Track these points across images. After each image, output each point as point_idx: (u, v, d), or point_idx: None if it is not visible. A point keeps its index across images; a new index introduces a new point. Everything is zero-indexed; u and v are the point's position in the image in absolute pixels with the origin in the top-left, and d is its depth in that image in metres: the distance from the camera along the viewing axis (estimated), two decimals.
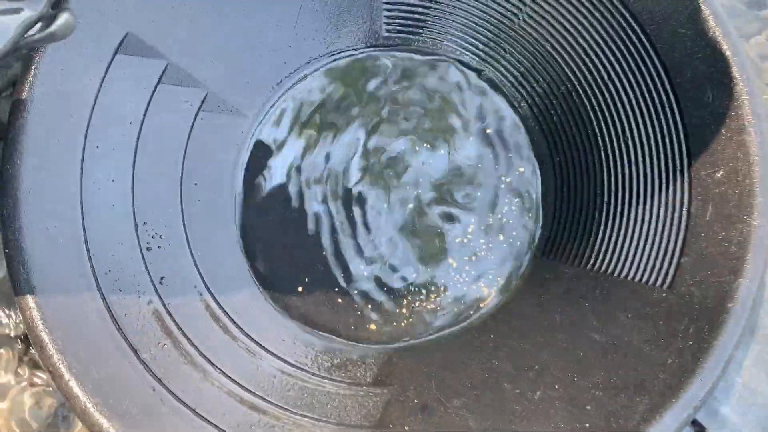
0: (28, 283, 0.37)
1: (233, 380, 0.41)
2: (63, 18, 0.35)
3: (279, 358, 0.43)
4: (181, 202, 0.45)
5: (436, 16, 0.49)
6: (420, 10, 0.49)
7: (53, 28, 0.34)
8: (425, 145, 0.48)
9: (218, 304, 0.44)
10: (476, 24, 0.49)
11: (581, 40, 0.46)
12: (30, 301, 0.37)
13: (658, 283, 0.41)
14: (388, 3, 0.49)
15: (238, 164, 0.49)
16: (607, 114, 0.45)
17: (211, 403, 0.39)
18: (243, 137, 0.49)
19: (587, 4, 0.45)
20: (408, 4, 0.49)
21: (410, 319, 0.45)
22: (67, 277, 0.39)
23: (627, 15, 0.44)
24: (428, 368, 0.43)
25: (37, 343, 0.37)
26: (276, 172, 0.48)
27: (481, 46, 0.49)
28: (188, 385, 0.39)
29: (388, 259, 0.46)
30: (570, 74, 0.47)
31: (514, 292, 0.46)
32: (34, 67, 0.40)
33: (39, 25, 0.34)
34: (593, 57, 0.45)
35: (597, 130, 0.46)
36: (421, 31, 0.50)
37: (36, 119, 0.40)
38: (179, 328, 0.41)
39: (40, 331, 0.37)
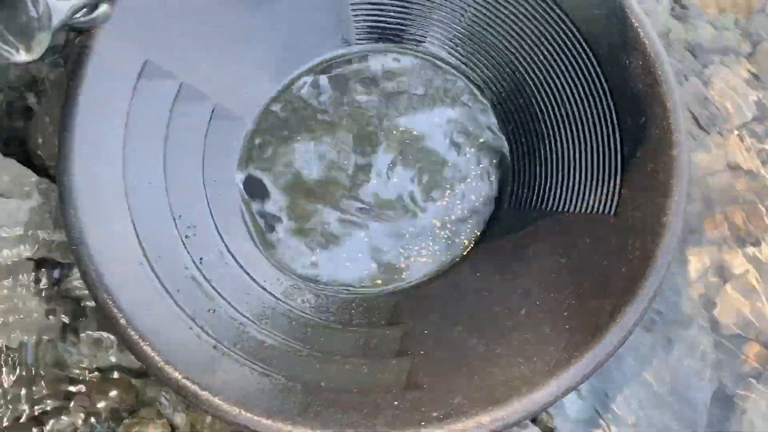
0: (97, 273, 0.43)
1: (270, 331, 0.47)
2: (103, 7, 0.42)
3: (303, 313, 0.50)
4: (206, 197, 0.52)
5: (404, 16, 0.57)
6: (384, 13, 0.57)
7: (95, 14, 0.41)
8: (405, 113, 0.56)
9: (247, 273, 0.50)
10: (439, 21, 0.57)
11: (518, 29, 0.54)
12: (99, 287, 0.43)
13: (606, 212, 0.49)
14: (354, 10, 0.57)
15: (244, 161, 0.55)
16: (546, 86, 0.54)
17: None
18: (246, 138, 0.55)
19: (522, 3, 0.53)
20: (373, 9, 0.57)
21: (409, 270, 0.52)
22: (130, 265, 0.45)
23: (556, 8, 0.53)
24: (430, 306, 0.50)
25: (110, 318, 0.42)
26: (277, 164, 0.55)
27: (446, 39, 0.58)
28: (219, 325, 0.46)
29: (385, 221, 0.54)
30: (512, 58, 0.55)
31: (491, 237, 0.53)
32: (77, 94, 0.46)
33: (84, 10, 0.40)
34: (529, 41, 0.54)
35: (539, 100, 0.54)
36: (390, 30, 0.58)
37: (82, 137, 0.45)
38: (219, 295, 0.48)
39: (111, 308, 0.43)
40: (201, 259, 0.49)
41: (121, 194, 0.47)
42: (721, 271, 0.55)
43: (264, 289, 0.50)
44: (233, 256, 0.50)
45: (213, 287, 0.48)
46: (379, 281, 0.53)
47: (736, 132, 0.59)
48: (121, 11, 0.46)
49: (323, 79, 0.57)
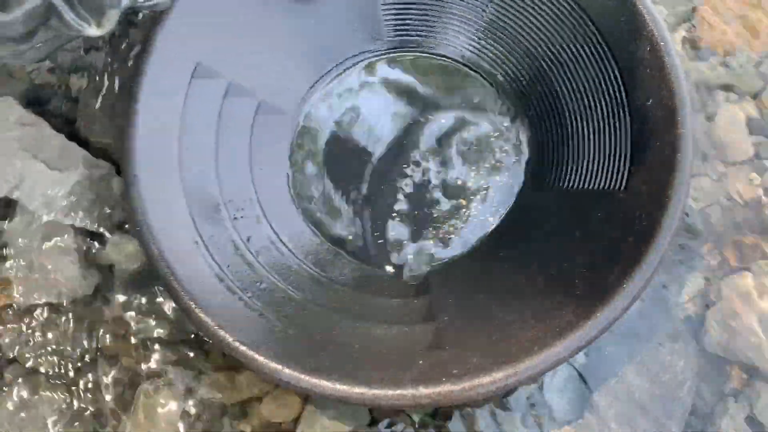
0: (159, 249, 0.49)
1: (309, 300, 0.52)
2: None
3: (340, 284, 0.55)
4: (253, 182, 0.57)
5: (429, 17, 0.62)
6: (414, 14, 0.61)
7: (156, 1, 0.46)
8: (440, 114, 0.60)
9: (289, 250, 0.55)
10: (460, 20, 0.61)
11: (536, 22, 0.58)
12: (160, 262, 0.49)
13: (617, 187, 0.52)
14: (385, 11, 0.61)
15: (286, 151, 0.61)
16: (563, 74, 0.58)
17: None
18: (288, 129, 0.61)
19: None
20: (404, 10, 0.61)
21: (439, 247, 0.57)
22: (186, 244, 0.51)
23: (575, 5, 0.56)
24: (456, 278, 0.55)
25: (170, 289, 0.48)
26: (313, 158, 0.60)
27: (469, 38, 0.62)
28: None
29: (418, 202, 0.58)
30: (531, 49, 0.59)
31: (513, 215, 0.57)
32: (137, 92, 0.52)
33: None
34: (546, 33, 0.58)
35: (557, 88, 0.58)
36: (419, 31, 0.62)
37: (143, 131, 0.51)
38: (264, 268, 0.53)
39: (171, 280, 0.48)
40: (249, 238, 0.54)
41: (178, 181, 0.53)
42: (711, 295, 0.58)
43: (304, 263, 0.55)
44: (277, 235, 0.56)
45: (259, 262, 0.53)
46: (411, 257, 0.57)
47: (736, 166, 0.62)
48: (175, 17, 0.52)
49: (358, 71, 0.62)
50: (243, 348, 0.47)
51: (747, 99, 0.65)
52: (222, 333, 0.47)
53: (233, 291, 0.51)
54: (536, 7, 0.58)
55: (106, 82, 0.60)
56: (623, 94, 0.54)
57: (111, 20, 0.44)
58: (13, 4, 0.41)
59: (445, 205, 0.58)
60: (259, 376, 0.51)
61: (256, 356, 0.47)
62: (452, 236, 0.58)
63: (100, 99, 0.59)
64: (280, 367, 0.46)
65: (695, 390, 0.55)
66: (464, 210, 0.58)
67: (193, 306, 0.48)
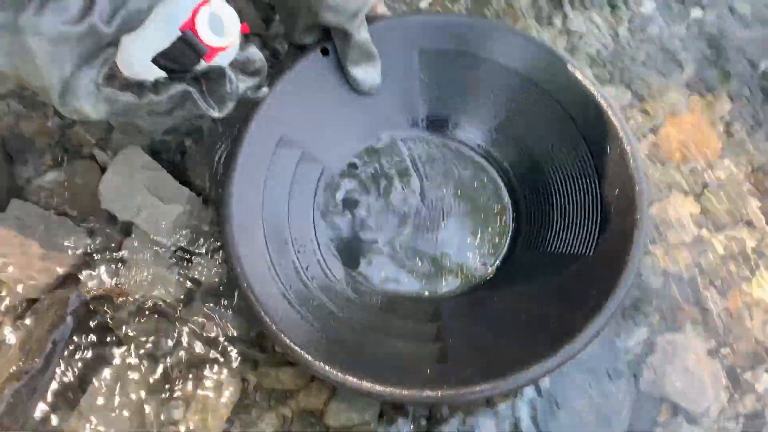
0: (242, 270, 0.65)
1: (347, 318, 0.68)
2: (264, 90, 0.62)
3: (371, 308, 0.70)
4: (313, 226, 0.74)
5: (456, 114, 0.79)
6: (444, 111, 0.79)
7: (259, 93, 0.61)
8: (451, 187, 0.77)
9: (335, 278, 0.71)
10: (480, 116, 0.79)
11: (534, 123, 0.76)
12: (242, 280, 0.64)
13: (586, 252, 0.69)
14: (424, 99, 0.79)
15: (336, 200, 0.77)
16: (553, 166, 0.75)
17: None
18: (340, 185, 0.77)
19: (543, 113, 0.75)
20: (436, 108, 0.79)
21: (448, 286, 0.73)
22: (262, 268, 0.67)
23: (567, 116, 0.74)
24: (461, 310, 0.71)
25: (248, 302, 0.64)
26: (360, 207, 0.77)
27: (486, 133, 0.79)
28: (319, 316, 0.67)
29: (433, 253, 0.74)
30: (531, 144, 0.76)
31: (507, 268, 0.74)
32: (237, 154, 0.69)
33: (253, 89, 0.61)
34: (544, 135, 0.76)
35: (547, 175, 0.76)
36: (447, 123, 0.80)
37: (238, 182, 0.68)
38: (317, 291, 0.69)
39: (249, 295, 0.64)
40: (307, 266, 0.71)
41: (259, 220, 0.69)
42: (650, 345, 0.75)
43: (345, 289, 0.71)
44: (327, 267, 0.72)
45: (313, 285, 0.69)
46: (427, 292, 0.73)
47: (678, 247, 0.80)
48: (269, 103, 0.70)
49: (399, 144, 0.79)
50: (296, 347, 0.62)
51: (691, 197, 0.83)
52: (282, 336, 0.63)
53: (292, 305, 0.67)
54: (536, 114, 0.76)
55: (207, 144, 0.78)
56: (597, 183, 0.71)
57: (229, 107, 0.59)
58: (162, 90, 0.56)
59: (455, 253, 0.74)
60: (306, 370, 0.67)
61: (305, 355, 0.62)
62: (459, 278, 0.74)
63: (203, 155, 0.77)
64: (322, 364, 0.62)
65: (630, 418, 0.70)
66: (471, 261, 0.74)
67: (263, 313, 0.64)
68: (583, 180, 0.72)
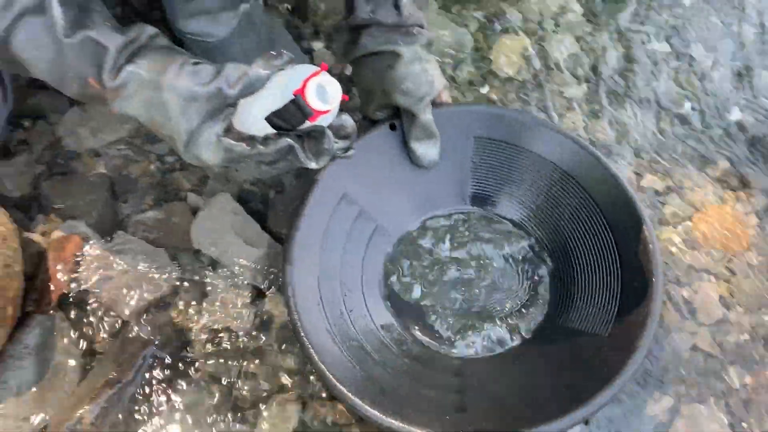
0: (295, 306, 0.75)
1: (382, 360, 0.78)
2: (351, 152, 0.69)
3: (404, 355, 0.80)
4: (362, 275, 0.84)
5: (499, 194, 0.89)
6: (490, 191, 0.89)
7: (347, 153, 0.69)
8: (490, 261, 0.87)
9: (375, 324, 0.81)
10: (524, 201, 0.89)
11: (566, 209, 0.85)
12: (295, 314, 0.75)
13: (604, 332, 0.77)
14: (473, 177, 0.89)
15: (384, 260, 0.88)
16: (579, 249, 0.84)
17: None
18: (390, 247, 0.88)
19: (574, 205, 0.84)
20: (483, 188, 0.89)
21: (474, 349, 0.82)
22: (312, 304, 0.78)
23: (597, 208, 0.83)
24: (483, 370, 0.79)
25: (297, 335, 0.74)
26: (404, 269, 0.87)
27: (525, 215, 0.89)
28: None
29: (465, 316, 0.84)
30: (561, 226, 0.86)
31: (529, 340, 0.83)
32: (305, 205, 0.80)
33: (342, 149, 0.67)
34: (573, 219, 0.84)
35: (573, 258, 0.84)
36: (491, 200, 0.89)
37: (302, 230, 0.80)
38: (357, 333, 0.79)
39: (299, 329, 0.74)
40: (351, 310, 0.81)
41: (316, 262, 0.80)
42: (676, 414, 0.81)
43: (384, 337, 0.81)
44: (370, 314, 0.82)
45: (355, 327, 0.80)
46: (455, 350, 0.83)
47: (706, 327, 0.88)
48: (337, 164, 0.81)
49: (443, 220, 0.90)
50: (333, 380, 0.72)
51: (721, 281, 0.90)
52: (322, 366, 0.72)
53: (335, 342, 0.77)
54: (570, 202, 0.85)
55: (287, 196, 0.91)
56: (619, 271, 0.80)
57: (325, 161, 0.67)
58: (270, 144, 0.65)
59: (485, 319, 0.84)
60: (338, 401, 0.77)
61: (340, 386, 0.71)
62: (486, 342, 0.83)
63: (283, 205, 0.90)
64: (355, 399, 0.71)
65: None
66: (498, 326, 0.83)
67: (308, 344, 0.74)
68: (607, 266, 0.81)
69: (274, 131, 0.64)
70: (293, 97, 0.61)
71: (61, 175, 0.89)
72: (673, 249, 0.92)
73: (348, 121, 0.67)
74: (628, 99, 1.05)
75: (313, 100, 0.61)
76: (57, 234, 0.84)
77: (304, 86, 0.60)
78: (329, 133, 0.64)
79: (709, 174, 0.99)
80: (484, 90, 1.03)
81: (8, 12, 0.61)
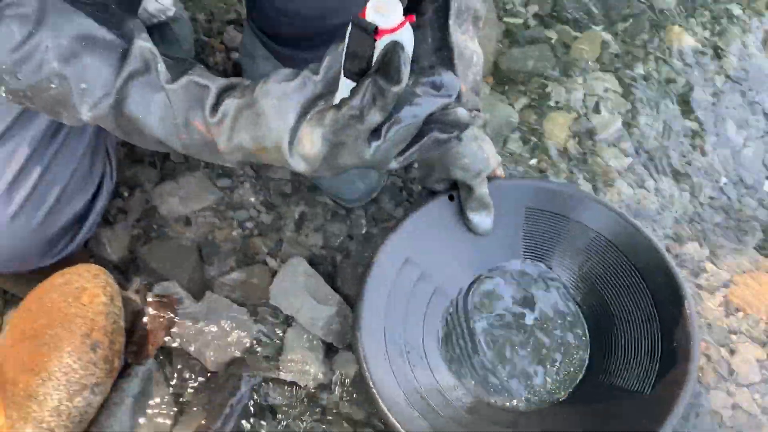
0: (365, 357, 0.84)
1: (439, 409, 0.85)
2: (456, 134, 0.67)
3: (458, 406, 0.88)
4: (422, 335, 0.93)
5: (547, 256, 0.97)
6: (540, 252, 0.97)
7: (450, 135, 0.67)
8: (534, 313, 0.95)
9: (435, 378, 0.90)
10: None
11: (609, 273, 0.92)
12: (364, 364, 0.84)
13: (644, 391, 0.84)
14: (524, 244, 0.97)
15: (442, 320, 0.96)
16: (624, 316, 0.91)
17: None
18: (447, 306, 0.96)
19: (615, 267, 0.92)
20: (535, 250, 0.97)
21: (525, 403, 0.89)
22: (380, 359, 0.86)
23: (638, 275, 0.91)
24: (533, 421, 0.87)
25: (366, 384, 0.83)
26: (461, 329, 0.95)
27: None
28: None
29: (518, 373, 0.92)
30: (606, 294, 0.93)
31: (574, 395, 0.90)
32: (371, 266, 0.89)
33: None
34: (617, 286, 0.92)
35: (617, 324, 0.92)
36: (542, 261, 0.98)
37: (369, 290, 0.89)
38: (417, 383, 0.87)
39: (367, 375, 0.82)
40: (414, 366, 0.89)
41: (382, 321, 0.89)
42: None
43: (443, 391, 0.89)
44: (431, 370, 0.90)
45: (418, 381, 0.88)
46: (508, 404, 0.90)
47: (745, 388, 0.94)
48: (399, 232, 0.91)
49: (499, 278, 0.98)
50: (397, 424, 0.80)
51: (757, 344, 0.97)
52: (389, 415, 0.81)
53: (402, 395, 0.85)
54: (613, 269, 0.93)
55: (354, 260, 1.01)
56: (659, 334, 0.87)
57: (406, 75, 0.60)
58: (357, 92, 0.60)
59: (536, 376, 0.91)
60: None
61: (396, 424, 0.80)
62: (537, 396, 0.90)
63: (351, 268, 1.00)
64: None
65: None
66: (548, 383, 0.91)
67: (377, 395, 0.82)
68: (648, 329, 0.88)
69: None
70: (354, 23, 0.59)
71: (154, 240, 1.01)
72: (712, 313, 1.00)
73: (461, 112, 0.66)
74: (669, 172, 1.14)
75: (374, 16, 0.58)
76: (153, 294, 0.95)
77: (363, 10, 0.58)
78: (403, 47, 0.59)
79: (746, 242, 1.07)
80: (533, 161, 1.13)
81: (119, 78, 0.67)
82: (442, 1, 0.82)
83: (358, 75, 0.60)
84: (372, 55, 0.59)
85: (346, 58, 0.60)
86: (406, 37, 0.59)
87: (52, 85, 0.67)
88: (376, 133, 0.62)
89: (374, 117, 0.60)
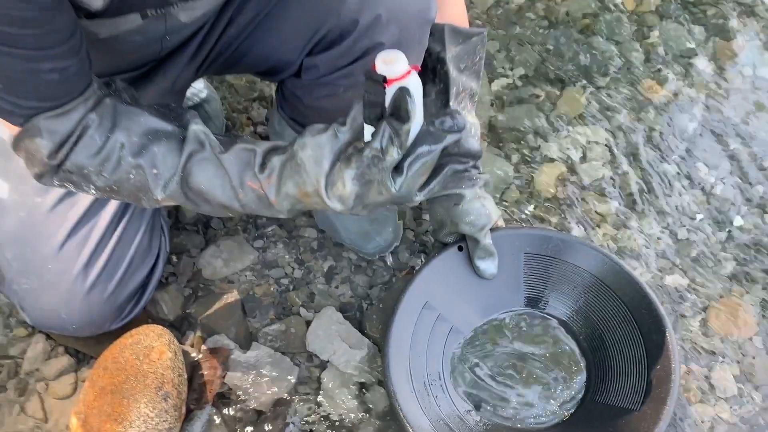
0: (394, 390, 0.98)
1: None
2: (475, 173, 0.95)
3: (479, 428, 1.02)
4: (442, 367, 1.07)
5: (545, 298, 1.12)
6: (541, 292, 1.11)
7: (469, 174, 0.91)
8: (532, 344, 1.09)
9: (455, 407, 1.03)
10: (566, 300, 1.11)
11: (601, 308, 1.06)
12: (395, 397, 0.98)
13: (634, 408, 0.98)
14: (525, 285, 1.12)
15: (458, 350, 1.10)
16: (614, 342, 1.05)
17: None
18: (461, 340, 1.10)
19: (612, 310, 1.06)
20: (534, 294, 1.12)
21: (534, 421, 1.03)
22: (407, 390, 1.00)
23: (626, 308, 1.05)
24: None
25: (395, 415, 0.97)
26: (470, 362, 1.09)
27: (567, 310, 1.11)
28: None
29: (525, 397, 1.05)
30: (599, 322, 1.07)
31: (574, 416, 1.04)
32: (396, 311, 1.04)
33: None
34: (607, 317, 1.06)
35: (609, 349, 1.06)
36: (542, 299, 1.12)
37: (394, 333, 1.03)
38: (439, 410, 1.01)
39: (397, 408, 0.97)
40: (437, 396, 1.03)
41: (406, 358, 1.04)
42: None
43: (461, 415, 1.03)
44: (450, 397, 1.05)
45: (439, 407, 1.02)
46: (519, 425, 1.04)
47: (724, 401, 1.09)
48: (419, 279, 1.05)
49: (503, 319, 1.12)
50: None
51: (734, 363, 1.11)
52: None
53: (426, 417, 0.99)
54: (604, 304, 1.08)
55: (378, 306, 1.15)
56: (645, 357, 1.01)
57: (416, 118, 0.70)
58: (376, 134, 0.70)
59: (542, 399, 1.05)
60: None
61: None
62: (544, 416, 1.04)
63: (376, 314, 1.14)
64: None
65: None
66: (552, 404, 1.05)
67: (407, 424, 0.97)
68: (636, 354, 1.03)
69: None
70: (367, 75, 0.68)
71: (203, 298, 1.16)
72: (693, 335, 1.15)
73: (473, 143, 0.84)
74: (649, 212, 1.29)
75: (383, 68, 0.66)
76: (206, 347, 1.10)
77: (374, 64, 0.67)
78: (409, 91, 0.67)
79: (720, 272, 1.22)
80: (530, 209, 1.28)
81: (181, 159, 0.80)
82: (443, 86, 0.98)
83: (377, 120, 0.69)
84: (385, 102, 0.68)
85: (365, 107, 0.69)
86: (413, 83, 0.68)
87: (131, 176, 0.82)
88: (398, 170, 0.72)
89: (393, 154, 0.70)
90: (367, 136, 0.72)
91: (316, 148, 0.75)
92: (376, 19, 0.92)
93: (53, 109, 0.76)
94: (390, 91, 0.67)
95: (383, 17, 0.92)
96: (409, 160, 0.71)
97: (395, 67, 0.66)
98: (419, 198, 0.76)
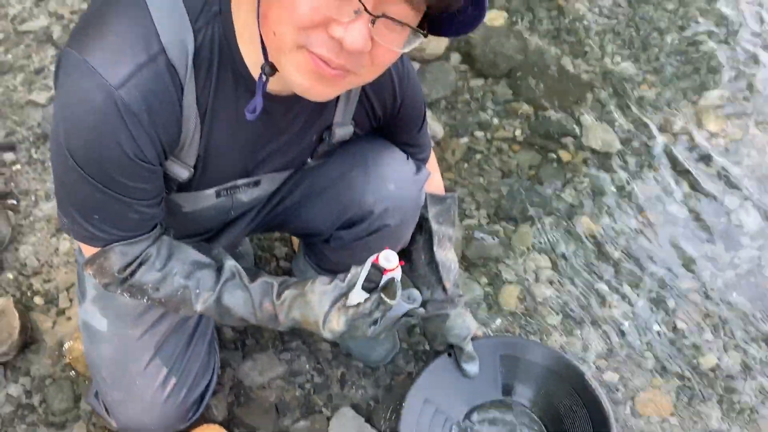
0: None
1: None
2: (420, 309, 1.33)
3: None
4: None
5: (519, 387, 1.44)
6: (513, 383, 1.44)
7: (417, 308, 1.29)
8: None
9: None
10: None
11: (561, 400, 1.39)
12: None
13: None
14: (502, 379, 1.44)
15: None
16: (572, 424, 1.36)
17: None
18: (454, 426, 1.40)
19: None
20: (509, 381, 1.44)
21: None
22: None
23: (577, 396, 1.37)
24: None
25: None
26: None
27: None
28: None
29: None
30: (560, 411, 1.39)
31: None
32: (406, 406, 1.34)
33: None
34: (559, 398, 1.38)
35: (567, 426, 1.37)
36: (514, 386, 1.44)
37: (404, 424, 1.33)
38: None
39: None
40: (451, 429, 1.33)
41: (416, 415, 1.33)
42: None
43: None
44: None
45: None
46: None
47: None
48: (422, 381, 1.36)
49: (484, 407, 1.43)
50: None
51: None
52: None
53: None
54: (561, 392, 1.42)
55: (383, 405, 1.45)
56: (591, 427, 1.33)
57: (400, 297, 1.04)
58: (368, 301, 1.03)
59: None
60: None
61: None
62: None
63: (382, 411, 1.44)
64: None
65: None
66: None
67: None
68: (585, 429, 1.35)
69: (368, 296, 1.04)
70: (372, 263, 1.01)
71: (244, 403, 1.46)
72: (625, 417, 1.50)
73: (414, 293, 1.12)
74: (587, 322, 1.66)
75: (383, 262, 1.00)
76: None
77: (377, 258, 1.01)
78: (397, 281, 1.02)
79: (644, 366, 1.59)
80: (497, 323, 1.63)
81: (218, 284, 1.10)
82: (427, 235, 1.34)
83: (369, 290, 1.03)
84: (379, 282, 1.02)
85: (365, 281, 1.02)
86: (398, 273, 1.02)
87: (179, 293, 1.13)
88: (375, 322, 1.05)
89: (376, 314, 1.03)
90: (358, 296, 1.04)
91: (321, 294, 1.08)
92: (385, 210, 1.27)
93: (127, 239, 1.06)
94: (384, 277, 1.02)
95: (390, 208, 1.28)
96: (383, 319, 1.06)
97: (391, 262, 1.01)
98: (371, 334, 1.08)
